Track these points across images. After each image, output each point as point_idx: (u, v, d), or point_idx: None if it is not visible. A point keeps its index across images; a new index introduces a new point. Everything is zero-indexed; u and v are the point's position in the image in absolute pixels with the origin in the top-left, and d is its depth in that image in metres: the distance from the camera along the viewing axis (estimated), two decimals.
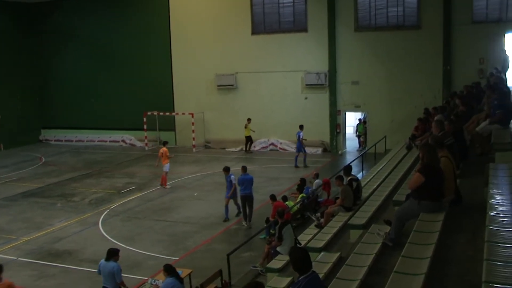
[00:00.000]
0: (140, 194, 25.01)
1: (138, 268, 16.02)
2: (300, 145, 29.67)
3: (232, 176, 20.40)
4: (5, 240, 19.39)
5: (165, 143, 27.54)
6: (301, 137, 29.54)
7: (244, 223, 20.16)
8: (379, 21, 31.74)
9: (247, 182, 20.16)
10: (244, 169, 20.64)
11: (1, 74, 39.75)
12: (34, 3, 41.39)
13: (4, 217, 22.41)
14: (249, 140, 34.11)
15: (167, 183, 26.24)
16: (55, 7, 41.32)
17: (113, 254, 12.46)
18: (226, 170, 20.85)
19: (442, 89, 30.17)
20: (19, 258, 17.35)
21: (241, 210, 20.39)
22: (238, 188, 20.39)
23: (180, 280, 11.96)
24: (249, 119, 33.74)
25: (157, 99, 37.90)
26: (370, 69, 32.02)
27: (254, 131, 33.96)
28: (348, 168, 16.89)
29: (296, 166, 29.27)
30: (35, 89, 42.90)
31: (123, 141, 39.68)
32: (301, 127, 30.10)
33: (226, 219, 20.50)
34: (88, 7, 40.25)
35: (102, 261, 12.48)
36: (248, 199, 20.09)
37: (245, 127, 33.80)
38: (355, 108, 33.47)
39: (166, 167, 26.04)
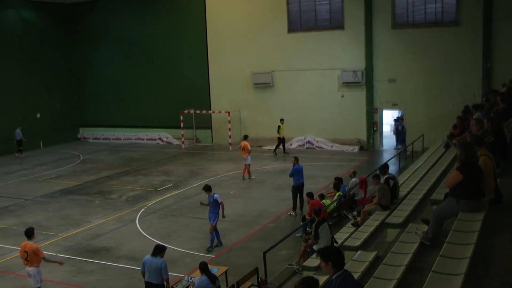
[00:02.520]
0: (176, 192, 25.16)
1: (175, 265, 16.09)
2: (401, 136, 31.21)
3: (216, 195, 17.76)
4: (45, 236, 19.69)
5: (245, 137, 28.49)
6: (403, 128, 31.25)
7: (293, 213, 20.70)
8: (416, 18, 31.34)
9: (300, 172, 20.87)
10: (296, 159, 21.28)
11: (40, 73, 40.52)
12: (71, 3, 42.09)
13: (43, 214, 22.80)
14: (281, 141, 33.57)
15: (251, 175, 27.33)
16: (91, 6, 41.95)
17: (160, 250, 12.61)
18: (208, 189, 17.92)
19: (482, 86, 29.64)
20: (58, 254, 17.59)
21: (292, 200, 20.85)
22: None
23: (213, 278, 11.97)
24: (282, 120, 33.49)
25: (193, 97, 38.11)
26: (407, 66, 31.64)
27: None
28: (384, 167, 16.76)
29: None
30: (73, 87, 43.61)
31: (159, 139, 39.99)
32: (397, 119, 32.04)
33: (211, 248, 17.46)
34: (123, 6, 40.78)
35: (148, 256, 12.58)
36: (300, 189, 20.69)
37: (280, 128, 33.34)
38: (392, 106, 33.11)
39: (248, 159, 26.97)
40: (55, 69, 42.01)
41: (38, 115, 39.48)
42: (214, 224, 17.50)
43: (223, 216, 17.90)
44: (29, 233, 13.82)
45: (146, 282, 12.63)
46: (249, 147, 27.26)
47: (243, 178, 27.08)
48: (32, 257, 13.53)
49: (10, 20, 39.02)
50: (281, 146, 33.44)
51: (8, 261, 17.43)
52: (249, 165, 27.15)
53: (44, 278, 15.52)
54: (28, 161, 35.25)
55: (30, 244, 13.69)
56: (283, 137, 33.27)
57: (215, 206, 17.61)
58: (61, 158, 35.92)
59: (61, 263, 14.79)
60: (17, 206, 24.33)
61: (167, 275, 12.45)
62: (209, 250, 17.25)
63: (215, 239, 17.66)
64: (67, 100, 43.14)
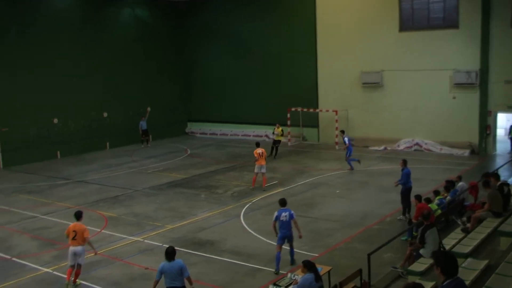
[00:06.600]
0: (282, 189, 25.19)
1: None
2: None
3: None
4: (152, 227, 20.30)
5: (258, 144, 26.69)
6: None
7: (402, 217, 19.98)
8: None
9: (410, 175, 20.22)
10: (404, 162, 20.48)
11: (153, 68, 42.02)
12: (183, 1, 43.35)
13: (151, 205, 23.55)
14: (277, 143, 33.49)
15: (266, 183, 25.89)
16: (201, 4, 43.09)
17: (175, 252, 12.16)
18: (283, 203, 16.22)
19: None
20: (163, 245, 18.00)
21: (402, 204, 20.14)
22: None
23: (318, 277, 11.87)
24: (278, 124, 33.72)
25: (301, 95, 38.14)
26: None
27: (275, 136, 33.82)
28: (497, 173, 16.14)
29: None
30: (182, 83, 44.94)
31: (266, 136, 40.26)
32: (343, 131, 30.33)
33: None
34: (233, 4, 41.53)
35: (164, 263, 12.01)
36: (409, 192, 19.88)
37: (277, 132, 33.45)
38: (508, 109, 31.72)
39: (264, 167, 25.66)
40: (166, 65, 43.45)
41: (149, 109, 40.76)
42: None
43: (300, 236, 15.97)
44: (79, 215, 15.19)
45: None
46: (265, 154, 25.93)
47: (253, 188, 25.57)
48: (79, 237, 14.72)
49: (125, 18, 40.72)
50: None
51: (118, 248, 18.07)
52: (256, 173, 25.76)
53: (149, 267, 16.05)
54: (138, 154, 36.57)
55: (79, 224, 14.94)
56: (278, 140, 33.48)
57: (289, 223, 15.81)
58: (169, 152, 37.02)
59: (95, 253, 15.66)
60: (126, 197, 25.25)
61: (188, 273, 12.12)
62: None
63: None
64: (176, 95, 44.53)
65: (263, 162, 25.52)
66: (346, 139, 28.86)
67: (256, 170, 25.63)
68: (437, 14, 32.82)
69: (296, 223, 15.86)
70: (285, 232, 15.68)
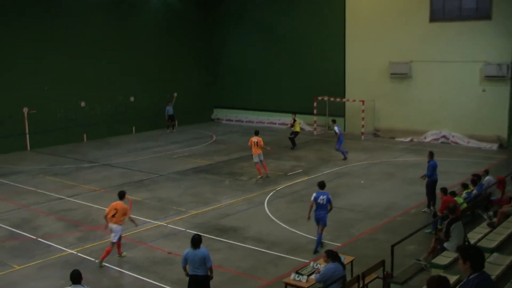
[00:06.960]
0: (306, 178, 25.12)
1: (301, 250, 16.12)
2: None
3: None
4: (176, 212, 20.40)
5: (257, 133, 26.34)
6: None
7: (427, 209, 19.79)
8: None
9: (436, 167, 19.94)
10: (431, 155, 20.17)
11: (181, 54, 42.11)
12: None
13: (175, 190, 23.65)
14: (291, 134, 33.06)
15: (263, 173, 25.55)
16: None
17: (200, 241, 12.14)
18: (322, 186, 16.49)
19: None
20: (187, 230, 18.10)
21: (427, 197, 19.90)
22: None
23: (343, 266, 11.83)
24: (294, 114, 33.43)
25: (328, 85, 37.89)
26: None
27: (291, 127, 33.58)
28: None
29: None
30: (209, 70, 44.93)
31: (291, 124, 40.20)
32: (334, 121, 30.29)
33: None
34: None
35: (189, 250, 12.04)
36: (435, 185, 19.63)
37: (294, 123, 32.99)
38: None
39: (254, 157, 25.50)
40: (194, 51, 43.42)
41: (175, 95, 40.94)
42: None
43: None
44: (122, 195, 15.87)
45: (191, 276, 12.13)
46: (261, 143, 25.48)
47: (267, 175, 25.55)
48: (119, 215, 15.38)
49: (154, 3, 40.74)
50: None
51: (141, 232, 18.17)
52: (256, 162, 25.47)
53: (172, 251, 16.11)
54: (163, 139, 36.79)
55: (121, 204, 15.61)
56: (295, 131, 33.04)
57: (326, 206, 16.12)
58: (195, 137, 37.14)
59: (136, 225, 16.67)
60: (151, 181, 25.39)
61: (211, 263, 12.07)
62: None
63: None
64: (202, 81, 44.53)
65: (258, 151, 25.30)
66: (336, 128, 29.14)
67: (254, 160, 25.56)
68: (469, 4, 32.19)
69: (330, 209, 16.13)
70: (319, 214, 15.92)
